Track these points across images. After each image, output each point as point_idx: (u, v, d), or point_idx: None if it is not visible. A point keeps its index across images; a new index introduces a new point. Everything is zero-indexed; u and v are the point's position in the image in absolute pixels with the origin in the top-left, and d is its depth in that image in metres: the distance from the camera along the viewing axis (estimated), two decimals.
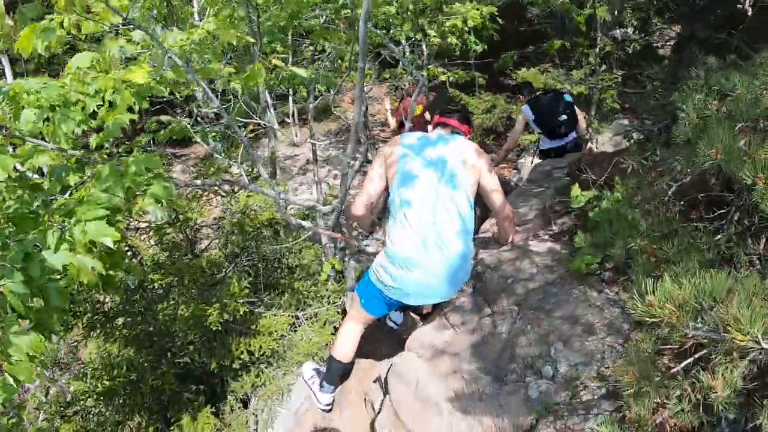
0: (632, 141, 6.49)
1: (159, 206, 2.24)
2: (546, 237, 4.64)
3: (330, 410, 4.23)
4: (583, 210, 4.44)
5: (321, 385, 4.14)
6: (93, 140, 2.92)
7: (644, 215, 3.27)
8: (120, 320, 4.96)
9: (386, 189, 3.74)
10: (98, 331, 4.96)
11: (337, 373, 4.16)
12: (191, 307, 4.21)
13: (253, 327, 4.49)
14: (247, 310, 4.25)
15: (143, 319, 4.73)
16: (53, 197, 2.65)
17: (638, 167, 3.54)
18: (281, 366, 4.90)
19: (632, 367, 2.67)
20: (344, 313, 5.32)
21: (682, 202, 3.44)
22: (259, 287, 4.92)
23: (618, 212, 3.42)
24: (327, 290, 5.16)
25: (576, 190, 4.31)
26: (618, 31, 10.79)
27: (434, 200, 3.54)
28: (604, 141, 10.46)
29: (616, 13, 10.02)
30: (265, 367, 4.92)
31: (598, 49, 8.72)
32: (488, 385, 3.61)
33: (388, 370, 4.31)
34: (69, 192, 2.66)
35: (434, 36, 6.72)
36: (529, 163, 10.12)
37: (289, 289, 5.07)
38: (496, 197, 3.85)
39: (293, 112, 14.18)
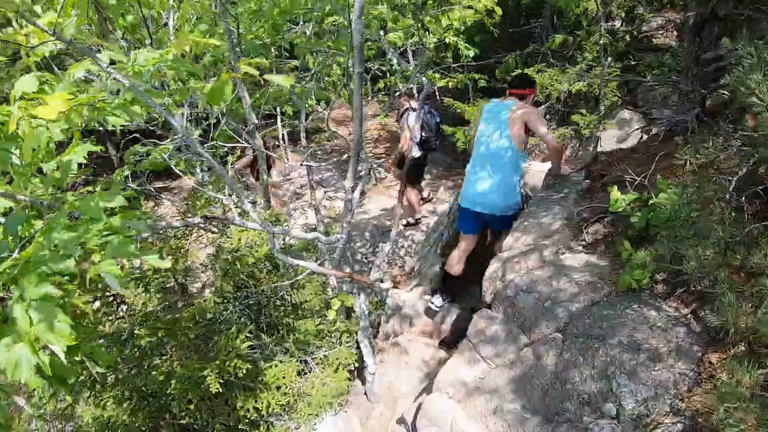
0: (646, 135, 6.04)
1: (115, 275, 1.71)
2: (579, 249, 4.13)
3: (438, 311, 5.95)
4: (621, 215, 3.94)
5: (438, 294, 5.96)
6: (45, 184, 2.39)
7: (708, 217, 2.76)
8: (110, 379, 4.39)
9: None
10: (87, 394, 4.40)
11: (451, 286, 5.96)
12: (187, 365, 3.66)
13: (259, 379, 3.94)
14: (250, 365, 3.68)
15: (134, 377, 4.17)
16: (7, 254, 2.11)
17: (690, 162, 3.03)
18: (293, 418, 4.34)
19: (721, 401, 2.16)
20: (359, 355, 4.79)
21: (741, 198, 2.95)
22: (260, 330, 4.37)
23: (676, 215, 2.91)
24: (336, 329, 4.62)
25: (615, 193, 3.80)
26: (606, 24, 10.37)
27: (488, 141, 5.07)
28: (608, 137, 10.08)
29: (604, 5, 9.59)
30: (275, 421, 4.37)
31: (601, 41, 8.26)
32: (537, 427, 3.08)
33: (416, 412, 3.78)
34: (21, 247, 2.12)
35: (435, 32, 6.21)
36: (533, 167, 9.66)
37: (294, 330, 4.52)
38: (542, 133, 4.94)
39: (283, 135, 13.69)
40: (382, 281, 4.10)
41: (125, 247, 1.80)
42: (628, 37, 10.75)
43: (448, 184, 10.96)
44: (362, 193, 11.86)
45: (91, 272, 1.70)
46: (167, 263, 2.04)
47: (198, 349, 3.98)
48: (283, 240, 4.78)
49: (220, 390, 3.53)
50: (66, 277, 1.76)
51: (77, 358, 1.82)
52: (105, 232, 1.86)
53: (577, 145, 9.95)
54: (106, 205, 1.94)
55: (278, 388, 3.96)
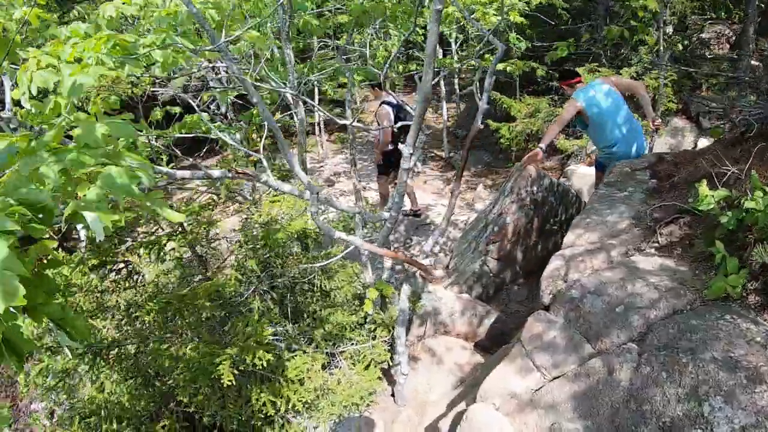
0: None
1: (102, 215, 1.23)
2: (652, 251, 3.60)
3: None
4: (703, 215, 3.41)
5: None
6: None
7: None
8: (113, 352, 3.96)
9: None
10: (86, 368, 3.99)
11: None
12: (197, 349, 3.20)
13: (279, 371, 3.46)
14: (272, 357, 3.18)
15: (137, 356, 3.73)
16: None
17: None
18: (312, 416, 3.87)
19: None
20: (392, 351, 4.31)
21: None
22: (284, 316, 3.90)
23: None
24: (371, 322, 4.14)
25: (704, 189, 3.26)
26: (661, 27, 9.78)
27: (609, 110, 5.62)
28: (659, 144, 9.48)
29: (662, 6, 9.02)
30: (292, 417, 3.90)
31: (659, 38, 7.70)
32: None
33: (455, 422, 3.30)
34: None
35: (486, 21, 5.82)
36: (580, 170, 9.09)
37: (322, 319, 4.05)
38: (635, 85, 6.00)
39: (319, 122, 13.29)
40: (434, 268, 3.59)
41: (124, 182, 1.33)
42: (680, 46, 10.17)
43: (487, 183, 10.45)
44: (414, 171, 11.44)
45: (70, 208, 1.24)
46: (181, 216, 1.58)
47: (212, 331, 3.53)
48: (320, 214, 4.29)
49: (233, 381, 3.06)
50: (39, 215, 1.30)
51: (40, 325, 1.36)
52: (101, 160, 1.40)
53: None
54: (107, 132, 1.49)
55: (301, 382, 3.48)
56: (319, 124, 13.25)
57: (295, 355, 3.53)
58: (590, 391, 2.82)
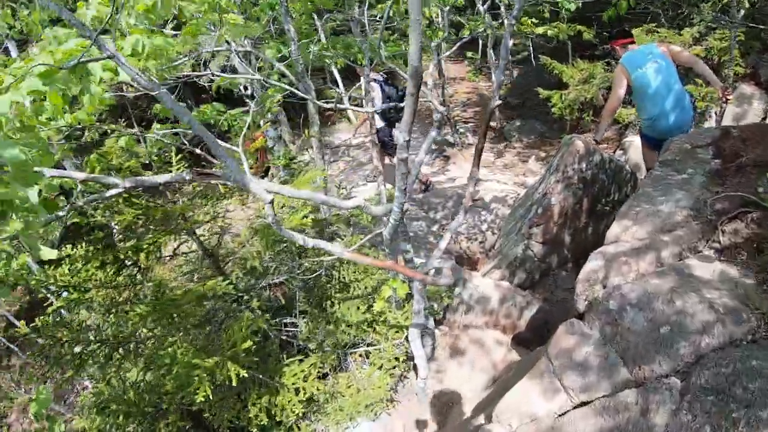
0: None
1: None
2: (711, 253, 3.02)
3: None
4: None
5: None
6: None
7: None
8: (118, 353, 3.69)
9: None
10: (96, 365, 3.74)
11: None
12: (187, 354, 2.85)
13: (278, 377, 3.09)
14: (246, 371, 2.78)
15: (134, 354, 3.44)
16: None
17: None
18: (321, 420, 3.51)
19: None
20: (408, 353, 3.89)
21: None
22: (291, 314, 3.52)
23: None
24: (384, 322, 3.71)
25: None
26: None
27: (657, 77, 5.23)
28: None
29: None
30: (300, 420, 3.55)
31: None
32: None
33: None
34: None
35: None
36: (637, 141, 8.31)
37: (337, 318, 3.66)
38: (686, 56, 5.35)
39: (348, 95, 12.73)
40: (440, 273, 3.12)
41: None
42: (747, 2, 9.12)
43: (540, 155, 9.77)
44: (446, 158, 10.86)
45: None
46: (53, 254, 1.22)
47: (209, 335, 3.18)
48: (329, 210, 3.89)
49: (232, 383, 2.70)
50: None
51: None
52: None
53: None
54: None
55: (297, 391, 3.10)
56: (349, 97, 12.68)
57: (295, 360, 3.14)
58: (618, 428, 2.32)
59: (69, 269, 3.59)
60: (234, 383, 2.61)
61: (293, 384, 3.07)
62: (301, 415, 3.11)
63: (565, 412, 2.60)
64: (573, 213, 5.57)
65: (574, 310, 3.24)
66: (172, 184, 2.38)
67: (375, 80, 7.56)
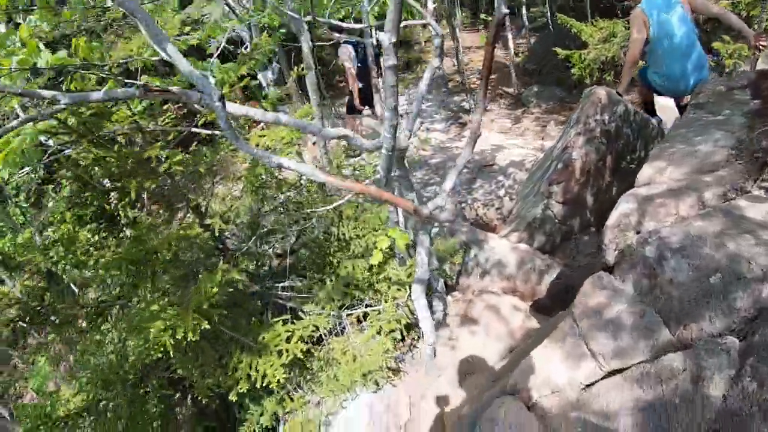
0: None
1: None
2: (762, 193, 2.54)
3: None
4: None
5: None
6: None
7: None
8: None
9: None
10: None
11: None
12: (152, 305, 2.45)
13: (260, 339, 2.69)
14: (209, 325, 2.35)
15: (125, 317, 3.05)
16: None
17: None
18: (315, 391, 3.10)
19: None
20: (412, 319, 3.46)
21: None
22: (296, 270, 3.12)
23: None
24: (386, 278, 3.28)
25: None
26: None
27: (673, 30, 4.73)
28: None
29: None
30: (294, 391, 3.15)
31: None
32: None
33: (476, 420, 2.46)
34: None
35: None
36: (662, 100, 7.74)
37: (334, 274, 3.24)
38: (715, 11, 4.70)
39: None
40: (442, 211, 2.66)
41: None
42: None
43: (559, 120, 9.24)
44: (462, 124, 10.36)
45: None
46: None
47: (186, 283, 2.77)
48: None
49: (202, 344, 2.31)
50: None
51: None
52: None
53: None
54: None
55: (279, 353, 2.69)
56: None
57: (279, 320, 2.73)
58: (661, 405, 1.88)
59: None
60: (195, 337, 2.20)
61: (276, 346, 2.66)
62: (283, 381, 2.70)
63: (594, 382, 2.17)
64: (596, 170, 5.07)
65: (600, 266, 2.79)
66: (123, 101, 1.97)
67: (348, 42, 7.68)
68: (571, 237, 5.33)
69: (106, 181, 3.16)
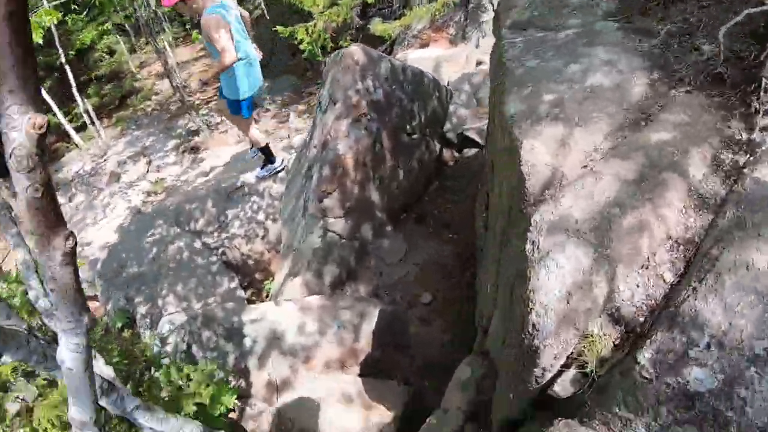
0: None
1: None
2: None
3: (282, 168, 5.13)
4: None
5: (269, 164, 5.21)
6: None
7: None
8: None
9: None
10: None
11: (269, 151, 5.13)
12: None
13: None
14: None
15: None
16: None
17: None
18: None
19: None
20: None
21: None
22: None
23: None
24: None
25: None
26: None
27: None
28: None
29: None
30: None
31: None
32: None
33: None
34: None
35: None
36: (413, 54, 6.62)
37: None
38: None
39: (86, 109, 9.58)
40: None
41: None
42: None
43: (299, 108, 7.77)
44: (195, 149, 8.46)
45: None
46: None
47: None
48: None
49: None
50: None
51: None
52: None
53: None
54: None
55: None
56: (87, 111, 9.49)
57: None
58: None
59: None
60: None
61: None
62: None
63: None
64: (373, 158, 3.62)
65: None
66: None
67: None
68: (368, 250, 3.85)
69: None
